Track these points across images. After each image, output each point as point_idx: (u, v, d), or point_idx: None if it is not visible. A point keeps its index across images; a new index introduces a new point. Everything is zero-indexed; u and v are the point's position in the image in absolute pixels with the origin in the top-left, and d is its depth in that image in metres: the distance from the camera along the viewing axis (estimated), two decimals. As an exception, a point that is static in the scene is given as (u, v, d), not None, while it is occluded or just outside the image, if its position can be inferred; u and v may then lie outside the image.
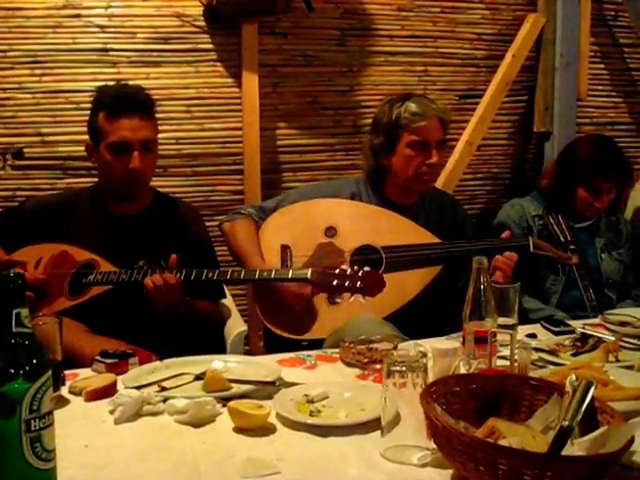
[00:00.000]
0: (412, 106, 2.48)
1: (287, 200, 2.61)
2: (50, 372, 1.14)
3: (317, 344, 2.18)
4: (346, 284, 1.96)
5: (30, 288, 2.13)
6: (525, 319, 2.33)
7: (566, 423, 1.17)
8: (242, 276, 2.18)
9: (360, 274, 1.97)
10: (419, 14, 3.58)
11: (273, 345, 2.42)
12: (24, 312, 1.13)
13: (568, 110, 3.74)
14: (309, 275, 2.04)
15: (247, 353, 2.81)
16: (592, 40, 3.80)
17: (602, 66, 3.91)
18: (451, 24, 3.63)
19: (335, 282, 1.97)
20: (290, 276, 2.12)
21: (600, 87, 3.92)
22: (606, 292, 2.84)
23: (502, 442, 1.18)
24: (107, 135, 2.27)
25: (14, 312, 1.11)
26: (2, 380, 1.10)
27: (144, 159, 2.28)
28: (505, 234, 2.49)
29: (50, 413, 1.14)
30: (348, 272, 1.97)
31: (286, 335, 2.34)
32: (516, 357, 1.65)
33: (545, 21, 3.66)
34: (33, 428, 1.10)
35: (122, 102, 2.27)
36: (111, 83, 2.53)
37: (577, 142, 3.01)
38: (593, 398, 1.23)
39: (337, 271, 1.99)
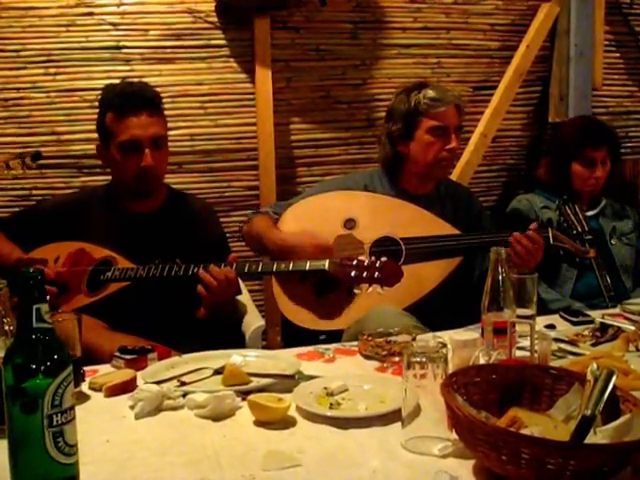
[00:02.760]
0: (430, 92, 2.49)
1: (303, 196, 2.62)
2: (71, 367, 1.14)
3: (335, 337, 2.18)
4: (364, 275, 1.95)
5: (52, 283, 2.14)
6: (541, 310, 2.33)
7: (588, 412, 1.17)
8: (260, 269, 2.17)
9: (378, 264, 1.96)
10: (432, 6, 3.56)
11: (291, 339, 2.42)
12: (44, 308, 1.13)
13: (583, 100, 3.71)
14: (327, 266, 2.03)
15: (265, 348, 2.81)
16: (607, 29, 3.77)
17: (617, 55, 3.88)
18: (464, 15, 3.61)
19: (353, 273, 1.96)
20: (307, 267, 2.11)
21: (615, 76, 3.89)
22: (621, 279, 2.83)
23: (524, 432, 1.17)
24: (117, 134, 2.26)
25: (34, 307, 1.12)
26: (23, 376, 1.11)
27: (156, 156, 2.27)
28: (533, 226, 2.48)
29: (72, 408, 1.14)
30: (366, 263, 1.96)
31: (305, 326, 2.34)
32: (536, 347, 1.64)
33: (559, 10, 3.63)
34: (55, 423, 1.11)
35: (129, 100, 2.26)
36: (116, 82, 2.52)
37: (562, 124, 3.15)
38: (615, 387, 1.22)
39: (355, 262, 1.98)
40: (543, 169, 3.05)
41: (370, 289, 2.02)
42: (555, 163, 2.98)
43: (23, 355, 1.12)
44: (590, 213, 2.90)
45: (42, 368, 1.11)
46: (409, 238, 2.43)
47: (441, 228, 2.48)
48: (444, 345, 1.40)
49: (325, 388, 1.59)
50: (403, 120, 2.53)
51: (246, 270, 2.17)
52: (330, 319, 2.32)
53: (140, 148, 2.25)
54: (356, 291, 2.24)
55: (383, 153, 2.65)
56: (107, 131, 2.29)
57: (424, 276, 2.39)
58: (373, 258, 2.00)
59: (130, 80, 2.53)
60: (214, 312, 2.14)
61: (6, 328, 1.45)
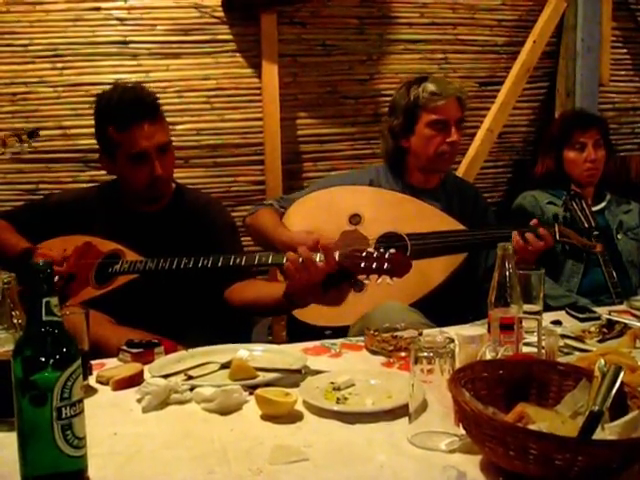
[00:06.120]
0: (430, 86, 2.49)
1: (308, 191, 2.61)
2: (80, 360, 1.15)
3: (340, 333, 2.18)
4: (373, 266, 1.95)
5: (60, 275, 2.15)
6: (548, 306, 2.32)
7: (596, 408, 1.17)
8: (270, 260, 2.16)
9: (387, 256, 1.96)
10: (438, 1, 3.56)
11: (296, 334, 2.42)
12: (53, 301, 1.13)
13: (590, 96, 3.69)
14: (337, 258, 2.02)
15: (270, 343, 2.81)
16: (614, 24, 3.76)
17: (624, 51, 3.87)
18: (471, 11, 3.60)
19: (362, 264, 1.96)
20: (318, 259, 2.10)
21: (622, 72, 3.88)
22: (628, 274, 2.83)
23: (531, 427, 1.17)
24: (122, 147, 2.24)
25: (44, 301, 1.12)
26: (33, 369, 1.11)
27: (164, 162, 2.26)
28: (533, 221, 2.48)
29: (80, 401, 1.15)
30: (375, 254, 1.96)
31: (311, 322, 2.33)
32: (543, 343, 1.64)
33: (566, 6, 3.62)
34: (64, 416, 1.11)
35: (128, 112, 2.22)
36: (122, 77, 2.49)
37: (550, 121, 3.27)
38: (622, 383, 1.22)
39: (364, 253, 1.98)
40: (540, 165, 3.05)
41: (379, 280, 2.01)
42: (548, 154, 2.99)
43: (32, 348, 1.12)
44: (596, 208, 2.89)
45: (51, 361, 1.11)
46: (414, 234, 2.43)
47: (447, 224, 2.48)
48: (451, 340, 1.40)
49: (332, 383, 1.60)
50: (404, 114, 2.53)
51: (256, 262, 2.16)
52: (336, 315, 2.32)
53: (148, 158, 2.23)
54: (366, 282, 2.23)
55: (385, 147, 2.66)
56: (110, 143, 2.27)
57: (430, 272, 2.39)
58: (382, 249, 1.99)
59: (123, 84, 2.45)
60: (294, 295, 2.06)
61: (15, 321, 1.45)
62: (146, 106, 2.26)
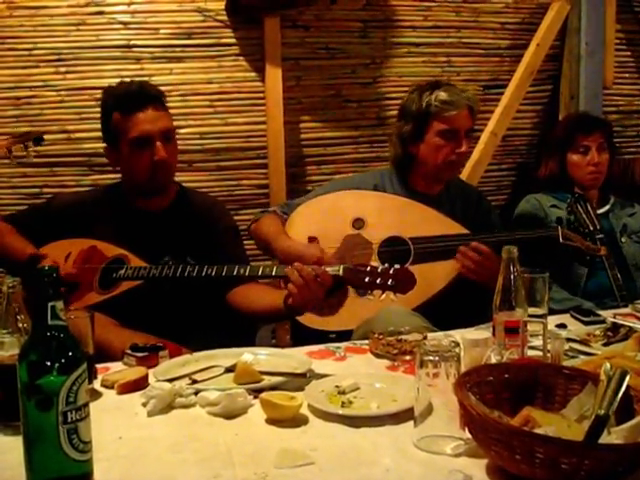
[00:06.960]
0: (442, 94, 2.47)
1: (312, 195, 2.61)
2: (85, 365, 1.15)
3: (344, 336, 2.18)
4: (377, 281, 1.94)
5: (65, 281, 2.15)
6: (552, 309, 2.32)
7: (602, 412, 1.17)
8: (273, 272, 2.15)
9: (391, 272, 1.95)
10: (442, 4, 3.56)
11: (300, 338, 2.42)
12: (59, 305, 1.13)
13: (594, 99, 3.69)
14: (341, 272, 2.02)
15: (274, 347, 2.80)
16: (618, 27, 3.76)
17: (628, 53, 3.87)
18: (474, 14, 3.61)
19: (367, 279, 1.95)
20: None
21: (626, 75, 3.88)
22: (632, 277, 2.82)
23: (537, 431, 1.17)
24: (126, 132, 2.26)
25: (49, 305, 1.12)
26: (38, 373, 1.11)
27: (167, 149, 2.27)
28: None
29: (86, 405, 1.15)
30: (379, 269, 1.94)
31: (315, 326, 2.33)
32: (548, 347, 1.64)
33: (570, 8, 3.62)
34: (70, 420, 1.11)
35: (132, 98, 2.27)
36: (125, 80, 2.51)
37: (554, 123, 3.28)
38: (628, 387, 1.22)
39: (368, 268, 1.97)
40: (543, 168, 3.05)
41: (383, 296, 2.02)
42: (551, 157, 2.99)
43: (38, 352, 1.12)
44: (600, 211, 2.89)
45: (57, 365, 1.11)
46: (417, 238, 2.43)
47: (450, 227, 2.48)
48: (456, 344, 1.39)
49: (337, 386, 1.59)
50: (414, 121, 2.52)
51: (260, 273, 2.15)
52: (340, 319, 2.31)
53: (151, 143, 2.25)
54: (370, 297, 2.23)
55: (394, 152, 2.65)
56: (115, 131, 2.29)
57: (433, 276, 2.39)
58: (387, 265, 1.98)
59: (130, 80, 2.51)
60: (295, 307, 2.06)
61: (20, 326, 1.45)
62: (151, 95, 2.31)
